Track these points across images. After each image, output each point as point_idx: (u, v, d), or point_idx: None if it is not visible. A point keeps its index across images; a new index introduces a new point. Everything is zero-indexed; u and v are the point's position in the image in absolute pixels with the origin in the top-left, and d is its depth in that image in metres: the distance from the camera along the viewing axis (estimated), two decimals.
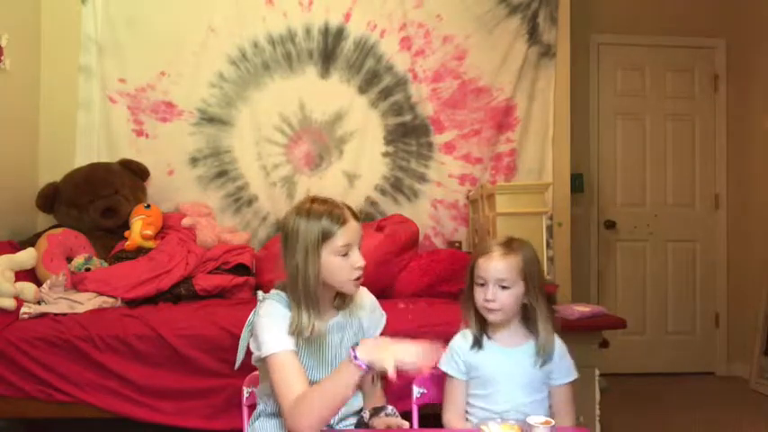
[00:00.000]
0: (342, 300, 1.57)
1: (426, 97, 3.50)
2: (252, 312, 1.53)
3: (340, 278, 1.48)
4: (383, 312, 1.67)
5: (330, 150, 3.49)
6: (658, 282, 4.18)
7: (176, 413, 2.23)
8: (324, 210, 1.46)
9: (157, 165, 3.35)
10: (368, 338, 1.46)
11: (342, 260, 1.46)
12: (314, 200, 1.51)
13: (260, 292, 1.55)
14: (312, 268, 1.44)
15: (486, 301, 1.56)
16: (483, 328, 1.62)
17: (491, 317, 1.57)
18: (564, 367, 1.61)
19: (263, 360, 1.44)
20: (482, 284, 1.57)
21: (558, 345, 1.62)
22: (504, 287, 1.55)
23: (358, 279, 1.50)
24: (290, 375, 1.39)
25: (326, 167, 3.48)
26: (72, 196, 3.06)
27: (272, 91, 3.45)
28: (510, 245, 1.60)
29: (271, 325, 1.45)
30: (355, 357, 1.29)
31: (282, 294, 1.51)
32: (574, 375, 1.63)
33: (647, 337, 4.14)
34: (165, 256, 2.84)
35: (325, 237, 1.44)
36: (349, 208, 1.52)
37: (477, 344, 1.61)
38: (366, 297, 1.64)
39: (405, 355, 1.26)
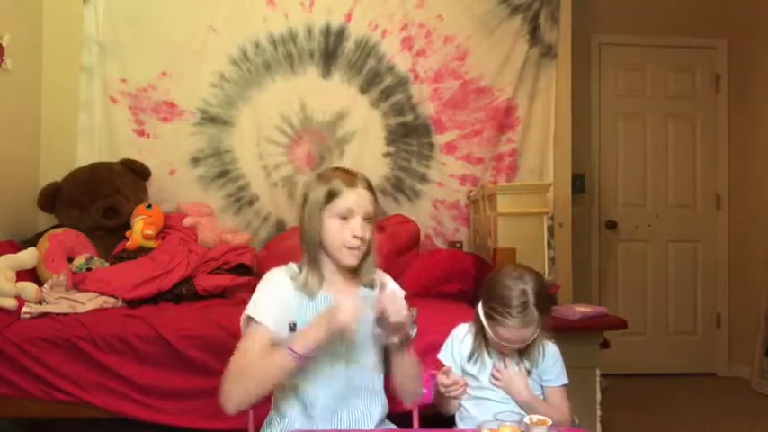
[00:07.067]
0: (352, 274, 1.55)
1: (427, 97, 3.50)
2: None
3: (335, 241, 1.47)
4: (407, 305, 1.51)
5: (331, 150, 3.49)
6: (659, 282, 4.17)
7: (177, 413, 2.23)
8: (336, 174, 1.51)
9: (159, 165, 3.34)
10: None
11: (340, 223, 1.46)
12: (334, 168, 1.56)
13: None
14: (315, 227, 1.47)
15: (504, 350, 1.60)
16: (484, 344, 1.64)
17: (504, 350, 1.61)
18: (557, 370, 1.63)
19: (244, 319, 1.47)
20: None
21: (552, 349, 1.64)
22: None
23: (354, 249, 1.48)
24: (244, 347, 1.42)
25: (327, 167, 3.48)
26: (73, 196, 3.06)
27: (274, 91, 3.44)
28: (526, 312, 1.52)
29: (266, 294, 1.49)
30: (290, 349, 1.34)
31: (293, 265, 1.55)
32: (566, 380, 1.65)
33: (647, 338, 4.14)
34: (167, 256, 2.84)
35: (330, 197, 1.46)
36: (365, 179, 1.53)
37: (475, 355, 1.65)
38: (391, 283, 1.62)
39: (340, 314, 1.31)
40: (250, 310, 1.47)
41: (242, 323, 1.50)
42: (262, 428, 1.58)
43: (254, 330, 1.44)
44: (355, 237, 1.46)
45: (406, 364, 1.51)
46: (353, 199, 1.47)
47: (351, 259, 1.49)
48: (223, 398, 1.39)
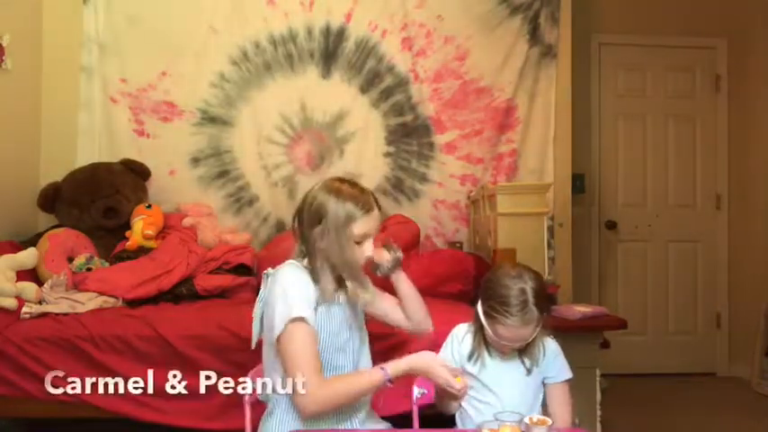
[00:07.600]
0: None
1: (427, 97, 3.50)
2: (262, 290, 1.56)
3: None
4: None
5: (331, 150, 3.49)
6: (659, 282, 4.17)
7: (177, 413, 2.23)
8: (352, 193, 1.53)
9: (159, 165, 3.34)
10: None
11: (354, 245, 1.52)
12: (343, 180, 1.58)
13: (269, 269, 1.56)
14: (344, 247, 1.50)
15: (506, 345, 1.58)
16: (484, 344, 1.63)
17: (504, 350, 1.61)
18: (558, 366, 1.64)
19: (292, 322, 1.43)
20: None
21: (552, 345, 1.65)
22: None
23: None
24: (311, 352, 1.43)
25: (328, 167, 3.48)
26: (73, 196, 3.06)
27: (274, 91, 3.44)
28: (526, 311, 1.52)
29: (300, 292, 1.48)
30: (382, 369, 1.44)
31: (297, 263, 1.56)
32: (569, 374, 1.65)
33: (648, 338, 4.13)
34: (167, 256, 2.84)
35: (348, 221, 1.50)
36: (373, 195, 1.58)
37: (474, 355, 1.64)
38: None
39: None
40: (299, 311, 1.45)
41: (285, 324, 1.45)
42: (261, 420, 1.60)
43: (310, 333, 1.45)
44: (365, 257, 1.55)
45: (406, 288, 1.68)
46: (370, 224, 1.53)
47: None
48: (308, 414, 1.44)
